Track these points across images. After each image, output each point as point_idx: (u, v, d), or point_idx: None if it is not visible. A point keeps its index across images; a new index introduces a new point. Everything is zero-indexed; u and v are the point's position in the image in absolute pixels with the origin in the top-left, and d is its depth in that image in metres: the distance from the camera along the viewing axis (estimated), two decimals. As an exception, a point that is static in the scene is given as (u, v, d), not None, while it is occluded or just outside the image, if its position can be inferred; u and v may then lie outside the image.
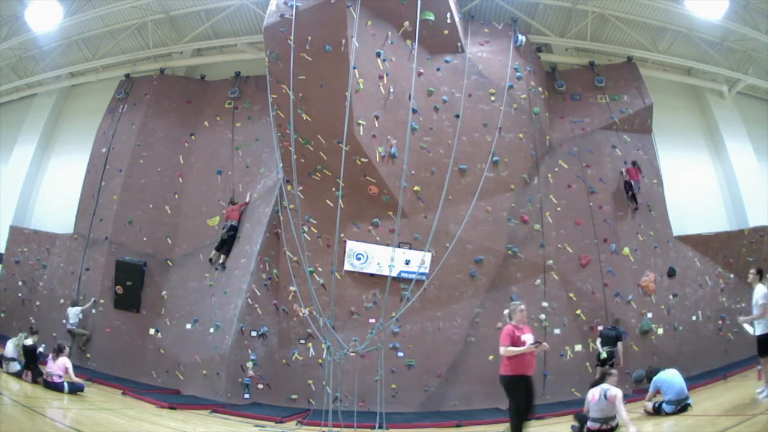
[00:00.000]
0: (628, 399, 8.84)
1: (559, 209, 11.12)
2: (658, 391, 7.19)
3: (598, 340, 9.61)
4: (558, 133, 11.93)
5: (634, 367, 9.77)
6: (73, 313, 10.83)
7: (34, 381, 8.21)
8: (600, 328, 9.87)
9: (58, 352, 8.27)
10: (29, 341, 8.57)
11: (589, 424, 6.22)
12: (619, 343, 9.26)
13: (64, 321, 10.91)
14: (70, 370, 8.26)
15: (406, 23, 10.12)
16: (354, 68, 9.20)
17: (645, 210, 11.16)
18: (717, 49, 12.83)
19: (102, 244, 11.68)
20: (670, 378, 7.05)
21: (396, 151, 10.10)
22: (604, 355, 9.32)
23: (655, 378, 7.23)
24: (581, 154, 11.61)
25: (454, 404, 9.77)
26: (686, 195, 12.40)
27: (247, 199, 11.61)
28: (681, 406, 6.83)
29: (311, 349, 10.10)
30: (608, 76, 12.45)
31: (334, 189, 9.88)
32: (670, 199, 11.60)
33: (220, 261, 11.10)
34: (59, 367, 8.14)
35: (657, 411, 7.01)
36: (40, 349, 8.87)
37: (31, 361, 8.43)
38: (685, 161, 12.99)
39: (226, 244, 11.15)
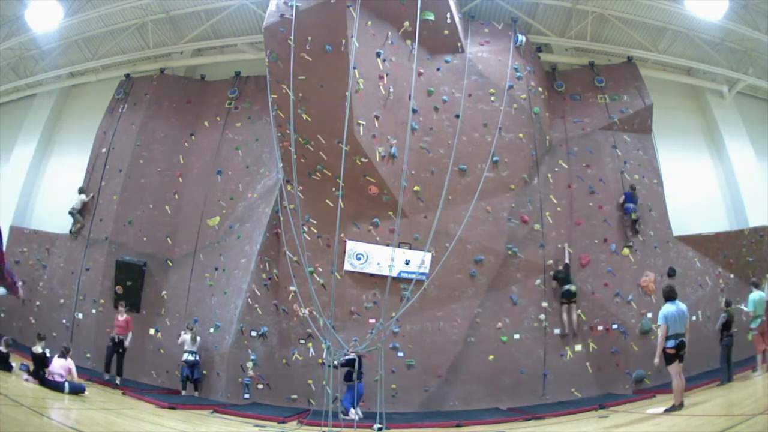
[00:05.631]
0: (628, 399, 8.91)
1: (559, 209, 11.12)
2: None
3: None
4: (558, 133, 11.93)
5: (634, 367, 9.78)
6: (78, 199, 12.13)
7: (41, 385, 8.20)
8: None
9: (65, 353, 8.29)
10: (38, 348, 8.50)
11: None
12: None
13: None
14: (74, 371, 8.28)
15: (406, 23, 10.12)
16: (354, 68, 9.20)
17: (645, 210, 11.15)
18: (717, 49, 12.82)
19: (102, 244, 11.67)
20: (668, 309, 6.78)
21: (396, 151, 10.10)
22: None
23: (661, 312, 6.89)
24: (581, 154, 11.61)
25: (454, 404, 9.77)
26: (686, 195, 12.37)
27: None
28: (679, 342, 6.63)
29: (311, 349, 10.11)
30: (608, 76, 12.45)
31: (334, 189, 9.88)
32: (670, 199, 11.58)
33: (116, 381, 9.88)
34: (62, 367, 8.15)
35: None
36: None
37: (41, 368, 8.32)
38: (685, 161, 12.97)
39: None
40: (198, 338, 10.06)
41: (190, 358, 9.85)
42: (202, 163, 12.60)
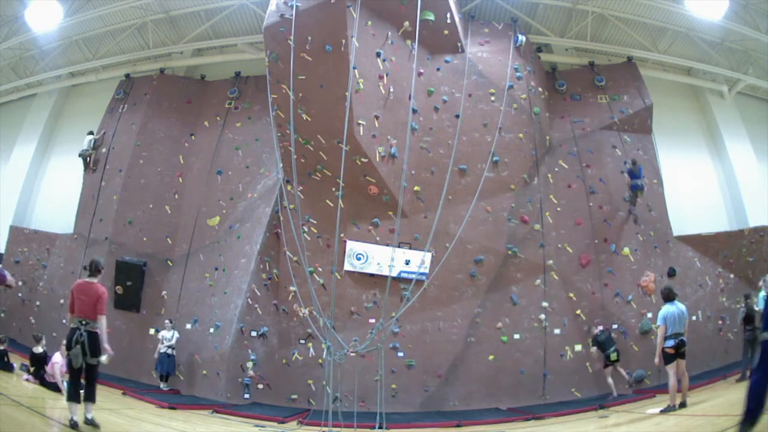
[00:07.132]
0: (627, 399, 8.90)
1: (559, 209, 11.12)
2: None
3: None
4: (558, 133, 11.93)
5: (634, 367, 9.78)
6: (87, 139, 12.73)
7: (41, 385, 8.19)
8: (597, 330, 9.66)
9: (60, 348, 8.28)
10: (39, 348, 8.51)
11: None
12: None
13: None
14: (63, 368, 8.25)
15: (406, 23, 10.12)
16: (354, 68, 9.21)
17: (645, 210, 11.15)
18: (717, 49, 12.82)
19: (102, 244, 11.67)
20: (667, 309, 6.83)
21: (396, 151, 10.10)
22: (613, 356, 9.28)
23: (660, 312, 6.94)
24: (581, 154, 11.61)
25: (454, 404, 9.77)
26: (686, 195, 12.39)
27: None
28: (678, 341, 6.68)
29: (311, 349, 10.11)
30: (608, 76, 12.45)
31: (334, 189, 9.89)
32: (670, 199, 11.58)
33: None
34: (58, 365, 8.14)
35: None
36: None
37: (41, 368, 8.32)
38: (685, 161, 12.98)
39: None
40: (176, 333, 10.35)
41: (169, 351, 10.15)
42: (202, 163, 12.60)
